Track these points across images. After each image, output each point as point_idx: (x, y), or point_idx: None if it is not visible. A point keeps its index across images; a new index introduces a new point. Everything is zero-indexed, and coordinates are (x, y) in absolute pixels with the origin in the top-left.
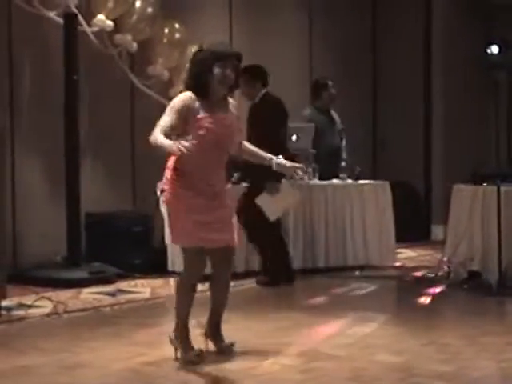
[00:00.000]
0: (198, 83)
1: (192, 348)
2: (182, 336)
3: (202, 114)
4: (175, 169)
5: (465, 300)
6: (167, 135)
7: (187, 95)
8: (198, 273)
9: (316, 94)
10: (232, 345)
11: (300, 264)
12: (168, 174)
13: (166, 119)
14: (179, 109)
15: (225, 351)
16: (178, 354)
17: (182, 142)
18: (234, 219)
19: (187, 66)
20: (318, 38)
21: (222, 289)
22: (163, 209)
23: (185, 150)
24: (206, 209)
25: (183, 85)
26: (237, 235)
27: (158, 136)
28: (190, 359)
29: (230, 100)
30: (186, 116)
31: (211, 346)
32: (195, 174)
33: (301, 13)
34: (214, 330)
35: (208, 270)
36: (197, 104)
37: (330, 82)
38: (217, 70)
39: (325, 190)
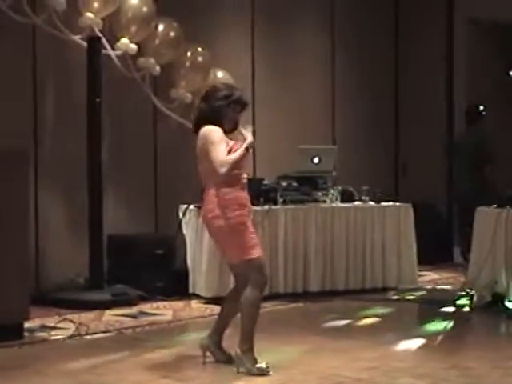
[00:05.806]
0: (219, 117)
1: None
2: (251, 350)
3: (231, 142)
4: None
5: (488, 323)
6: None
7: (218, 128)
8: (266, 281)
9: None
10: (231, 356)
11: (319, 286)
12: (217, 203)
13: (222, 148)
14: (223, 137)
15: (227, 361)
16: (242, 369)
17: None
18: None
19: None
20: (341, 63)
21: (237, 302)
22: (185, 231)
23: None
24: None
25: (201, 114)
26: None
27: (226, 157)
28: (262, 369)
29: None
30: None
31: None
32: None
33: (324, 36)
34: (218, 341)
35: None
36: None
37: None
38: (229, 111)
39: (347, 212)
